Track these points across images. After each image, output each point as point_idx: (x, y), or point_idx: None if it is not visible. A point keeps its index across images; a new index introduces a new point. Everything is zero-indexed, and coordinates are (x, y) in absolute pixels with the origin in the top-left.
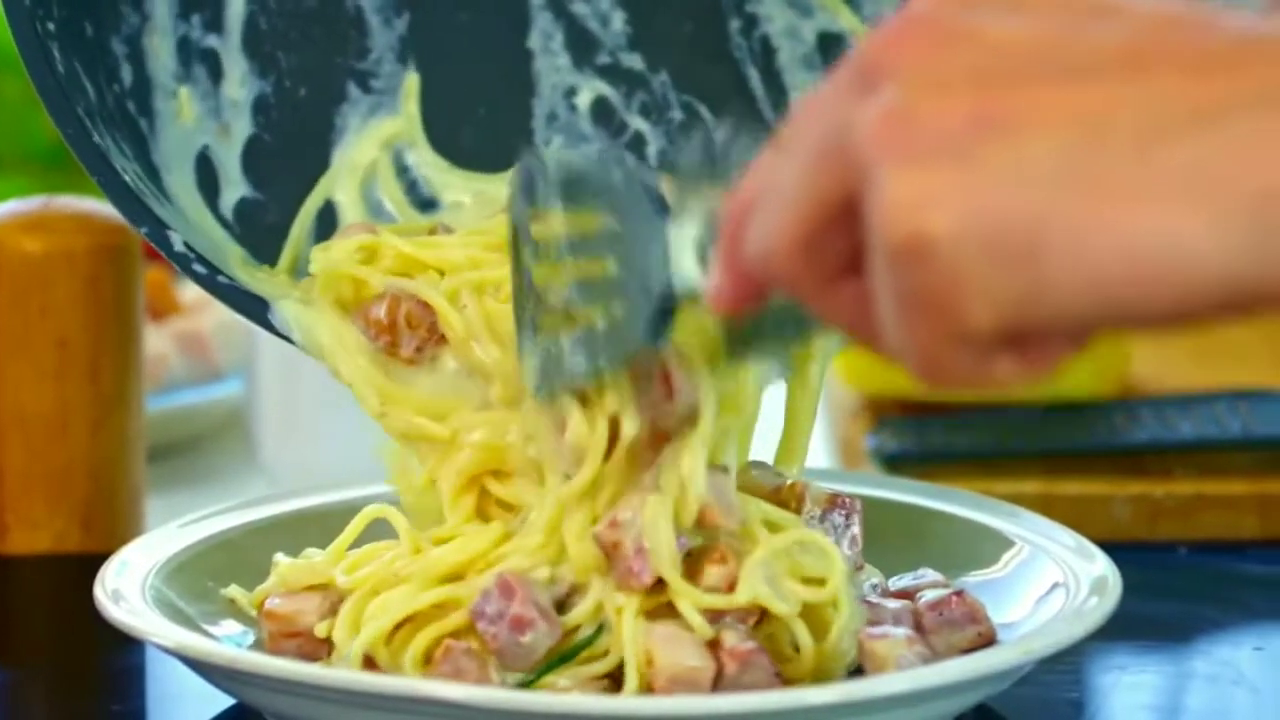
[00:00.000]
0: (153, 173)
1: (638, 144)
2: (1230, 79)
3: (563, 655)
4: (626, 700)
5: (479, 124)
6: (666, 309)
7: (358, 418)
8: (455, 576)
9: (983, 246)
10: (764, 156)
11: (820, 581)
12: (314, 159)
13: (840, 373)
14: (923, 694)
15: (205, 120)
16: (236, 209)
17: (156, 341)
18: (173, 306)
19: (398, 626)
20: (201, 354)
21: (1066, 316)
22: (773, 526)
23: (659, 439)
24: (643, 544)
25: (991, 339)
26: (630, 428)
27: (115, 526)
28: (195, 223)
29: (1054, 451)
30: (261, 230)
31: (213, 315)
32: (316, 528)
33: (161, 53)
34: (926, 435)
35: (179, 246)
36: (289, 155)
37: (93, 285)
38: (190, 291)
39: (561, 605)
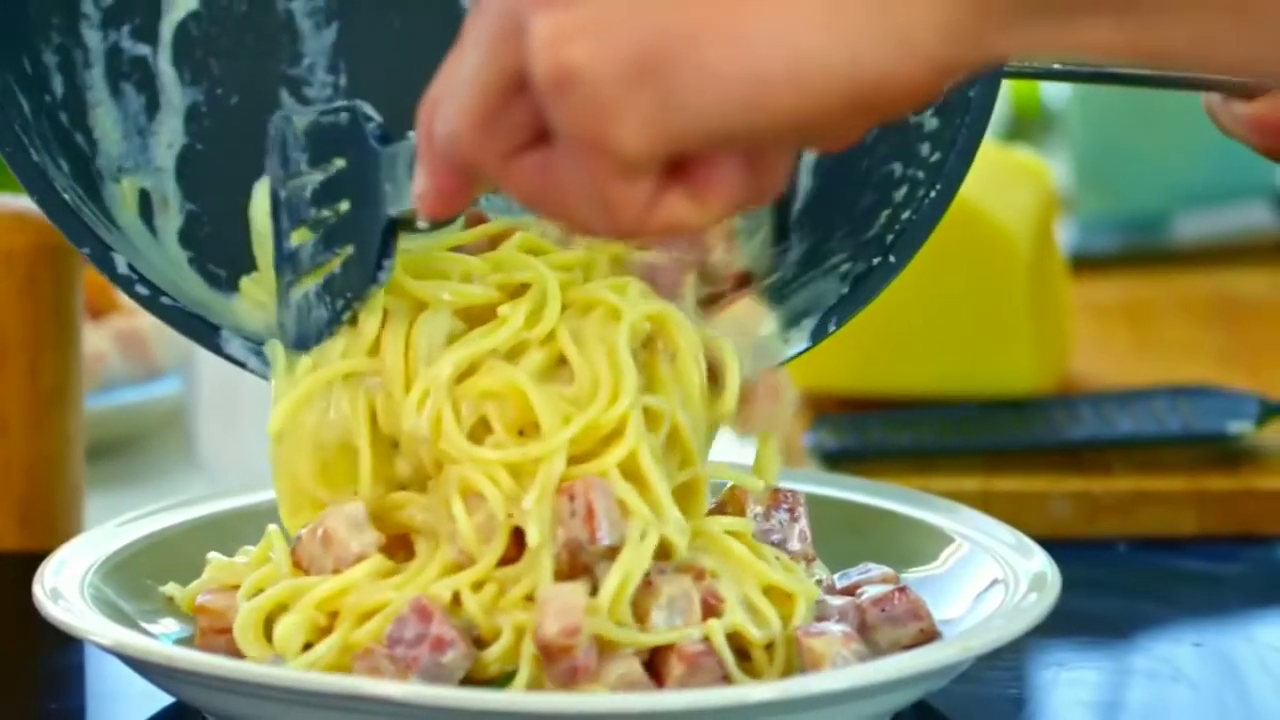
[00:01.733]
0: (94, 192)
1: None
2: None
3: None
4: (564, 697)
5: (412, 125)
6: (388, 235)
7: None
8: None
9: (618, 68)
10: (453, 54)
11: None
12: (247, 168)
13: None
14: (861, 691)
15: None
16: (181, 232)
17: (96, 340)
18: (112, 305)
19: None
20: (141, 352)
21: (704, 128)
22: (737, 537)
23: (577, 569)
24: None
25: (651, 168)
26: (534, 537)
27: (54, 525)
28: (139, 244)
29: (993, 448)
30: (203, 244)
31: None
32: (255, 526)
33: (92, 63)
34: (865, 432)
35: (122, 269)
36: (222, 165)
37: (31, 284)
38: None
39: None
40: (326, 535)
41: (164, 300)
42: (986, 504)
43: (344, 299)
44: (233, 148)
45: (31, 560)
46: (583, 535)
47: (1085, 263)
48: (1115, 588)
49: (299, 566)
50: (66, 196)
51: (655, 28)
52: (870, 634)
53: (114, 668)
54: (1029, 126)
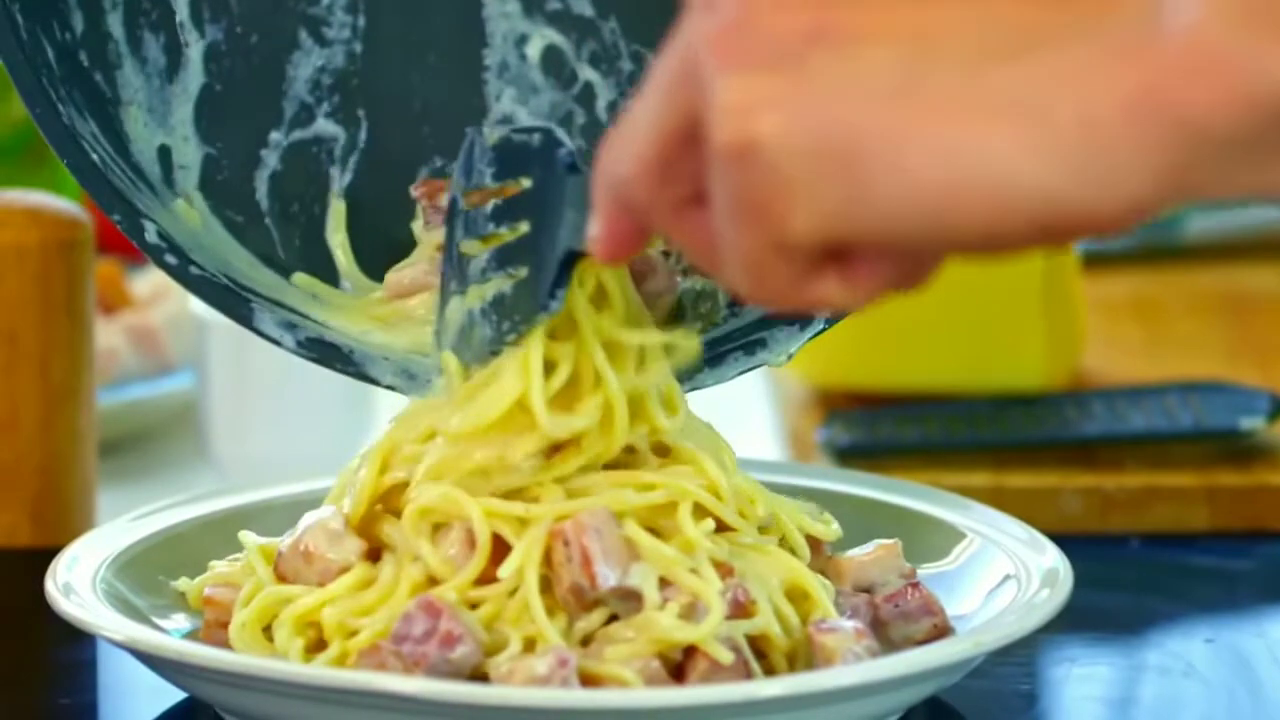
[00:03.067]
0: (121, 147)
1: (588, 96)
2: (1062, 6)
3: None
4: (581, 692)
5: (429, 72)
6: (566, 266)
7: (307, 411)
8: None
9: (807, 152)
10: (635, 96)
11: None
12: (265, 109)
13: (792, 366)
14: (873, 687)
15: (155, 129)
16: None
17: (107, 335)
18: (123, 300)
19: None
20: (152, 348)
21: (886, 229)
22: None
23: (589, 606)
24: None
25: (813, 250)
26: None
27: (66, 520)
28: (166, 202)
29: (1005, 444)
30: (220, 188)
31: (164, 309)
32: (267, 521)
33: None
34: (877, 428)
35: (151, 237)
36: (241, 105)
37: (43, 279)
38: (141, 285)
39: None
40: (307, 552)
41: (193, 270)
42: (998, 500)
43: (511, 321)
44: (251, 88)
45: (44, 556)
46: (583, 581)
47: (1096, 259)
48: (1127, 583)
49: (284, 580)
50: (95, 157)
51: (855, 117)
52: (884, 630)
53: (126, 663)
54: None
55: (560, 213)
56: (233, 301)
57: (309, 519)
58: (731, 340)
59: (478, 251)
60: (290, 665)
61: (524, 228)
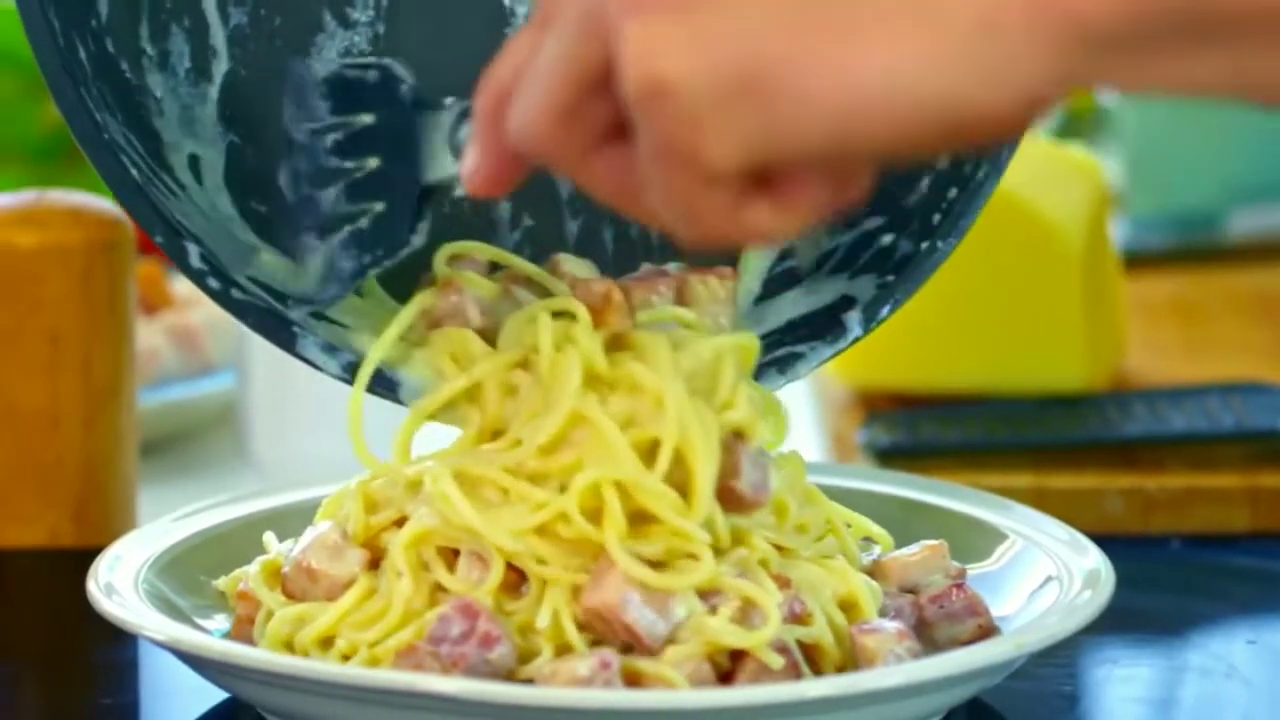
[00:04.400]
0: (155, 151)
1: None
2: None
3: None
4: (626, 693)
5: (451, 52)
6: (424, 199)
7: (347, 412)
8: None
9: (714, 86)
10: (520, 37)
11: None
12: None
13: (832, 367)
14: (914, 688)
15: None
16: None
17: (148, 335)
18: (165, 300)
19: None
20: (194, 348)
21: (801, 150)
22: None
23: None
24: None
25: (738, 179)
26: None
27: (108, 521)
28: (204, 207)
29: (1046, 445)
30: (246, 179)
31: (205, 309)
32: (308, 521)
33: None
34: (918, 429)
35: (195, 261)
36: (264, 91)
37: (85, 280)
38: (182, 285)
39: None
40: (310, 569)
41: (234, 294)
42: (1039, 501)
43: (373, 255)
44: (274, 73)
45: (85, 556)
46: (636, 647)
47: (1137, 260)
48: (1169, 585)
49: (292, 599)
50: (135, 173)
51: (755, 48)
52: (929, 631)
53: (168, 663)
54: (1082, 124)
55: (414, 148)
56: (275, 325)
57: (307, 536)
58: (766, 353)
59: (325, 187)
60: (335, 666)
61: (373, 163)
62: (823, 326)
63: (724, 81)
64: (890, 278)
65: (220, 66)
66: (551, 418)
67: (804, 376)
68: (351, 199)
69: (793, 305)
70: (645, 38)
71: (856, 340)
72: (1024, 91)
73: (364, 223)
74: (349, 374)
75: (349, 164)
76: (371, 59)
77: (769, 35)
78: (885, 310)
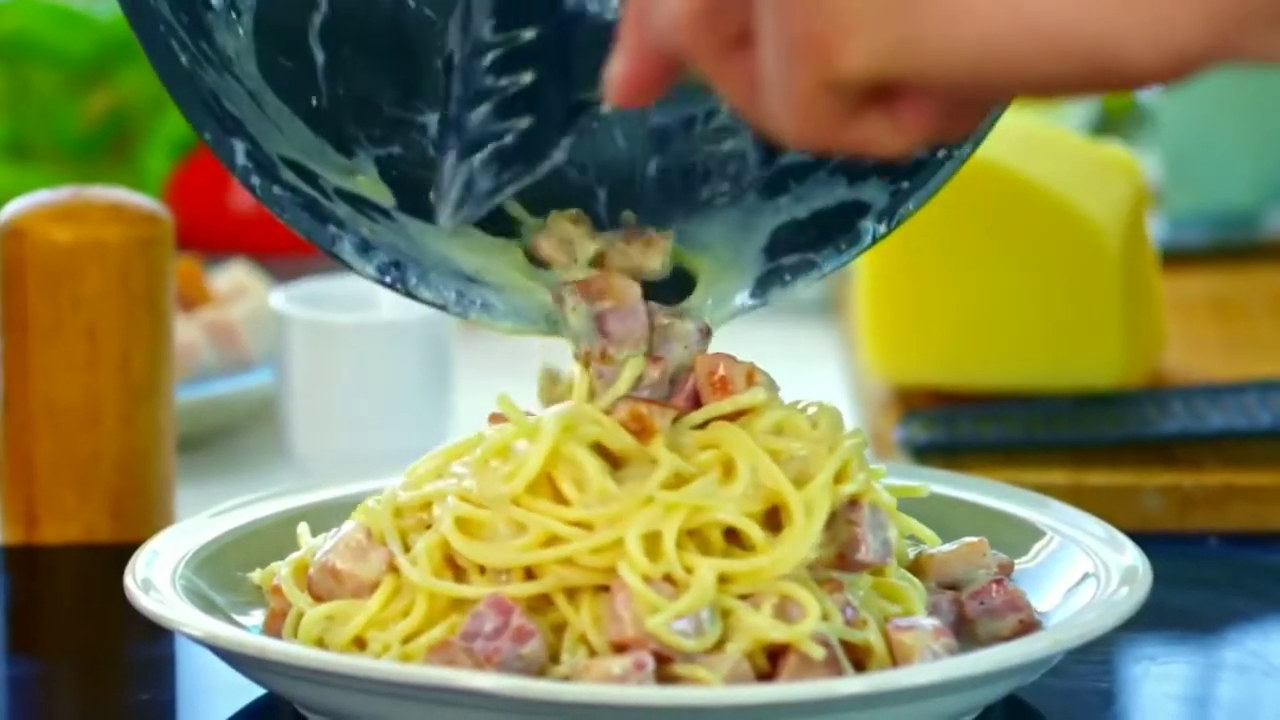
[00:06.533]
0: (207, 36)
1: None
2: None
3: None
4: (660, 690)
5: None
6: (573, 114)
7: (386, 407)
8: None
9: None
10: None
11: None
12: None
13: (870, 364)
14: (950, 685)
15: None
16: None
17: (186, 331)
18: (203, 296)
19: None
20: (231, 344)
21: (940, 69)
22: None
23: None
24: None
25: (863, 88)
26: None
27: (145, 516)
28: (251, 88)
29: (1083, 442)
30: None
31: (243, 305)
32: (346, 517)
33: None
34: (955, 426)
35: (240, 159)
36: None
37: (123, 275)
38: (221, 281)
39: None
40: (336, 572)
41: (275, 190)
42: (1077, 498)
43: (512, 171)
44: None
45: (123, 552)
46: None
47: (1175, 257)
48: (1206, 582)
49: (319, 599)
50: (184, 58)
51: None
52: (970, 627)
53: (205, 659)
54: (1120, 121)
55: (568, 61)
56: (315, 223)
57: (333, 537)
58: (771, 260)
59: (477, 107)
60: (373, 661)
61: (527, 78)
62: (833, 232)
63: None
64: (905, 184)
65: None
66: None
67: (817, 281)
68: (499, 116)
69: (788, 210)
70: None
71: (878, 240)
72: (1177, 53)
73: (508, 139)
74: (383, 275)
75: (504, 81)
76: None
77: None
78: (908, 208)
